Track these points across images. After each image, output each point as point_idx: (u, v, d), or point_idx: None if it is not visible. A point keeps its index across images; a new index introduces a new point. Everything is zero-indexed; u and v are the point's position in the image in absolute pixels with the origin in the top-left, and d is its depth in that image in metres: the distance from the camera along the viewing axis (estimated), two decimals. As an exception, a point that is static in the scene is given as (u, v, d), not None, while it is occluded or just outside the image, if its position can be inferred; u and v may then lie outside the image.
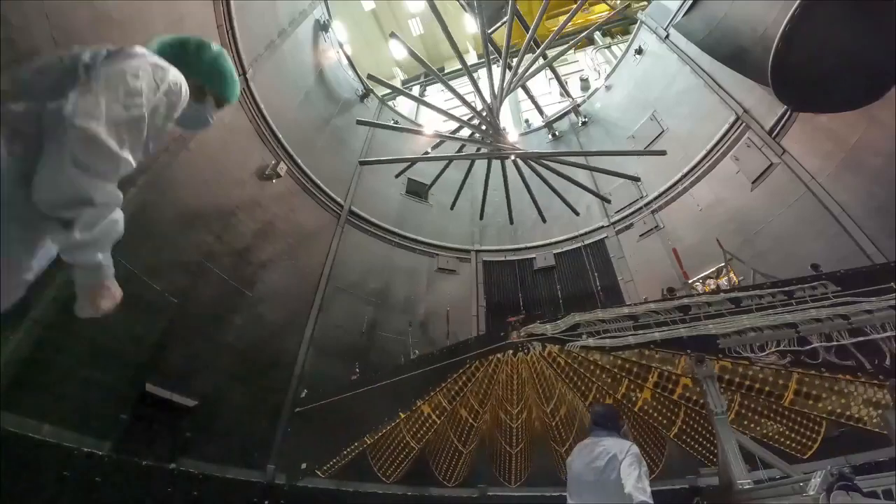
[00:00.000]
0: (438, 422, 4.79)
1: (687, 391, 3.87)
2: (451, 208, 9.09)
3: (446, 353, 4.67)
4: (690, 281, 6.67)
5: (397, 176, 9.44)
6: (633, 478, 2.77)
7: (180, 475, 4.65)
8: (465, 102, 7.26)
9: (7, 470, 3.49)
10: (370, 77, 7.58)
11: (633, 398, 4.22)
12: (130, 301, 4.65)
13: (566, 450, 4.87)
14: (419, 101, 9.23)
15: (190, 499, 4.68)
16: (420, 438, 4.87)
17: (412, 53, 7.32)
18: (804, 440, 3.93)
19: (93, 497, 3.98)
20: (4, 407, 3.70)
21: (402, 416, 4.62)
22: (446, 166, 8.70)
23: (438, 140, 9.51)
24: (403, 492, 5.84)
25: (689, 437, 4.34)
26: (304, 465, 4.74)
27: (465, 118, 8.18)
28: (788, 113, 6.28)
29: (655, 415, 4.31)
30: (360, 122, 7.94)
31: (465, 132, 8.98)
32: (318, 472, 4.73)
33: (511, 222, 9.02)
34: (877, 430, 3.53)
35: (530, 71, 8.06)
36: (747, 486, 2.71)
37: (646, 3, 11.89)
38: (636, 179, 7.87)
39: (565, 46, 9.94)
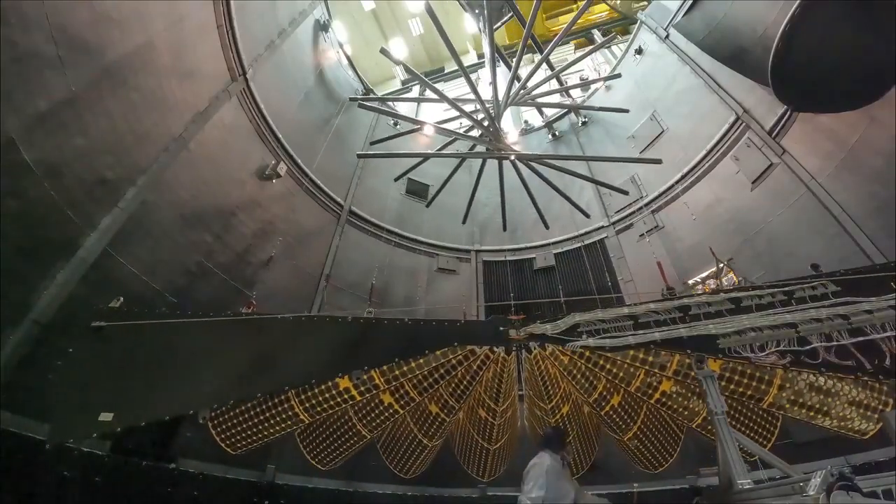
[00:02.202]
0: (448, 420, 4.67)
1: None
2: (463, 222, 9.00)
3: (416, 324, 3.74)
4: (690, 282, 6.67)
5: (397, 179, 9.41)
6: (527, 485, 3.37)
7: (180, 475, 4.65)
8: (465, 114, 7.31)
9: (7, 470, 3.49)
10: (406, 69, 7.53)
11: (650, 390, 4.11)
12: (130, 301, 4.65)
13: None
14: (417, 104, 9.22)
15: (190, 499, 4.68)
16: (432, 436, 4.74)
17: (407, 68, 7.35)
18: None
19: (93, 497, 3.98)
20: (4, 407, 3.70)
21: (316, 389, 3.74)
22: (455, 169, 8.69)
23: (447, 144, 9.49)
24: (403, 492, 5.85)
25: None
26: (106, 416, 3.14)
27: (465, 119, 8.18)
28: (788, 113, 6.28)
29: (676, 406, 4.22)
30: (358, 104, 7.92)
31: (465, 130, 8.99)
32: (112, 425, 3.18)
33: (504, 228, 8.90)
34: (857, 435, 3.56)
35: (537, 82, 8.09)
36: (747, 486, 2.71)
37: (646, 3, 11.90)
38: (624, 193, 7.83)
39: (584, 52, 9.90)
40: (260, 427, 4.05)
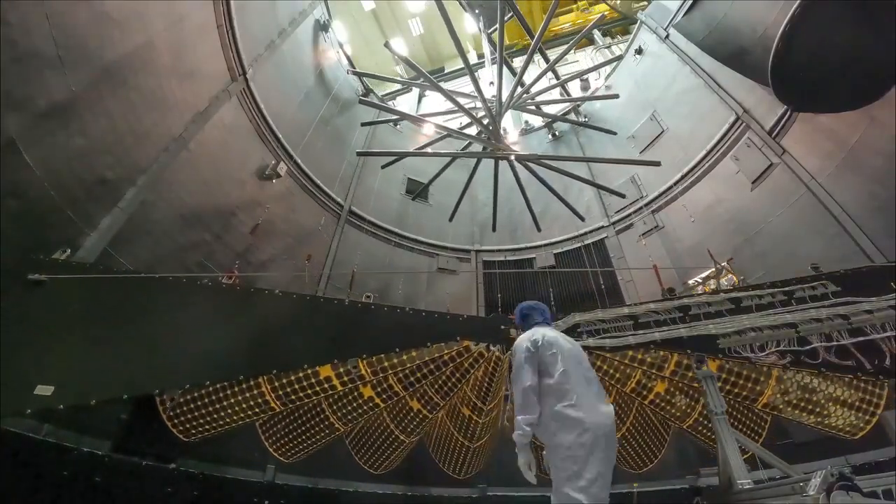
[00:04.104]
0: (430, 416, 4.54)
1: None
2: (450, 220, 8.99)
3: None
4: (690, 282, 6.67)
5: (384, 167, 9.25)
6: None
7: (180, 475, 4.64)
8: (466, 112, 7.31)
9: (7, 470, 3.49)
10: (406, 60, 7.57)
11: (644, 391, 4.04)
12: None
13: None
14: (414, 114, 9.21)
15: (190, 499, 4.67)
16: (410, 432, 4.58)
17: (408, 62, 7.37)
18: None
19: (93, 497, 3.98)
20: (4, 407, 3.69)
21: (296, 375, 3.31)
22: (446, 166, 8.70)
23: (437, 140, 9.51)
24: (403, 492, 5.84)
25: (706, 427, 4.09)
26: (45, 390, 2.69)
27: (466, 118, 8.19)
28: (788, 113, 6.28)
29: (669, 407, 4.17)
30: (359, 100, 7.99)
31: (466, 130, 8.99)
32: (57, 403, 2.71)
33: (494, 229, 8.86)
34: (847, 435, 3.56)
35: (541, 88, 8.10)
36: (747, 486, 2.72)
37: (646, 3, 11.89)
38: (621, 196, 7.84)
39: (599, 64, 9.93)
40: (222, 413, 3.51)
